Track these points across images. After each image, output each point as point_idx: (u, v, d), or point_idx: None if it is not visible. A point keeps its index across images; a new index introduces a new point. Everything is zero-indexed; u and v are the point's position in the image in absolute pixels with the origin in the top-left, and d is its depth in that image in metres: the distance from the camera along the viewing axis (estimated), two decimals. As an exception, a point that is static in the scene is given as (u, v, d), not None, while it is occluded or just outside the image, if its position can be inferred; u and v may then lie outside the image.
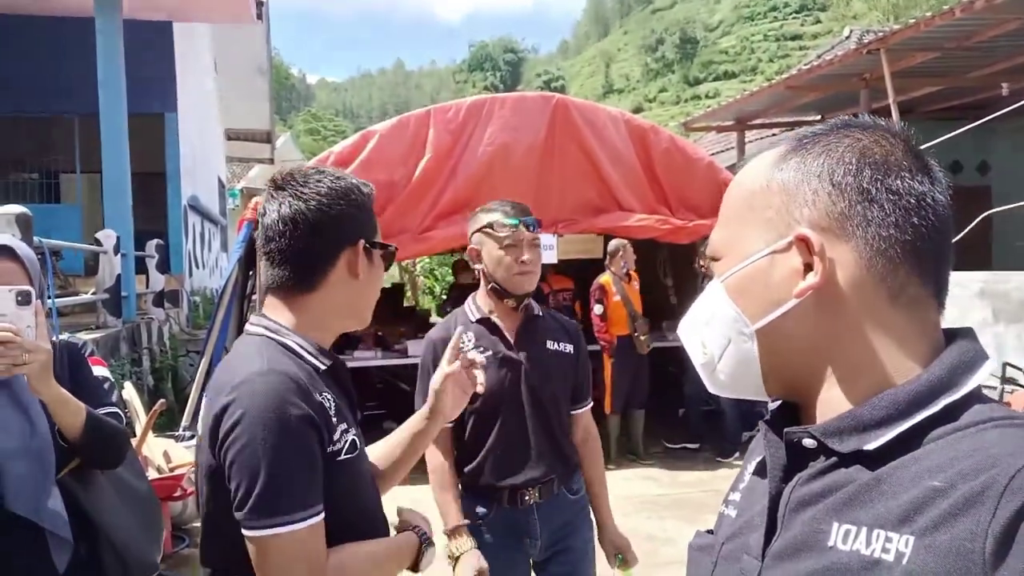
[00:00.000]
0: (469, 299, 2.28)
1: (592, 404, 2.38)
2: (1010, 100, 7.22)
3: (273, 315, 1.31)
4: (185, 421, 5.47)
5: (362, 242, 1.29)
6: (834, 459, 0.68)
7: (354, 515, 1.28)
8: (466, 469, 2.23)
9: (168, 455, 4.40)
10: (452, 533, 2.11)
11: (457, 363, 1.54)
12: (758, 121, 11.83)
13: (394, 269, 19.71)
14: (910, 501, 0.61)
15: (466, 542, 2.08)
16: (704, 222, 6.34)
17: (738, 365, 0.76)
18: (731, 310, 0.75)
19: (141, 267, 8.31)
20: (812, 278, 0.69)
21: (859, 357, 0.69)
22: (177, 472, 4.31)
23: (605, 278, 6.24)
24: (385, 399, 7.98)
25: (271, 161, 18.44)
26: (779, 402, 0.80)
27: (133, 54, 7.63)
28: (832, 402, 0.71)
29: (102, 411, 1.74)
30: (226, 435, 1.16)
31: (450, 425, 2.18)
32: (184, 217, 10.88)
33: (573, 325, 2.39)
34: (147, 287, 8.38)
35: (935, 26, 7.11)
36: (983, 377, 0.66)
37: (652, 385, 6.53)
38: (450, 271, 12.05)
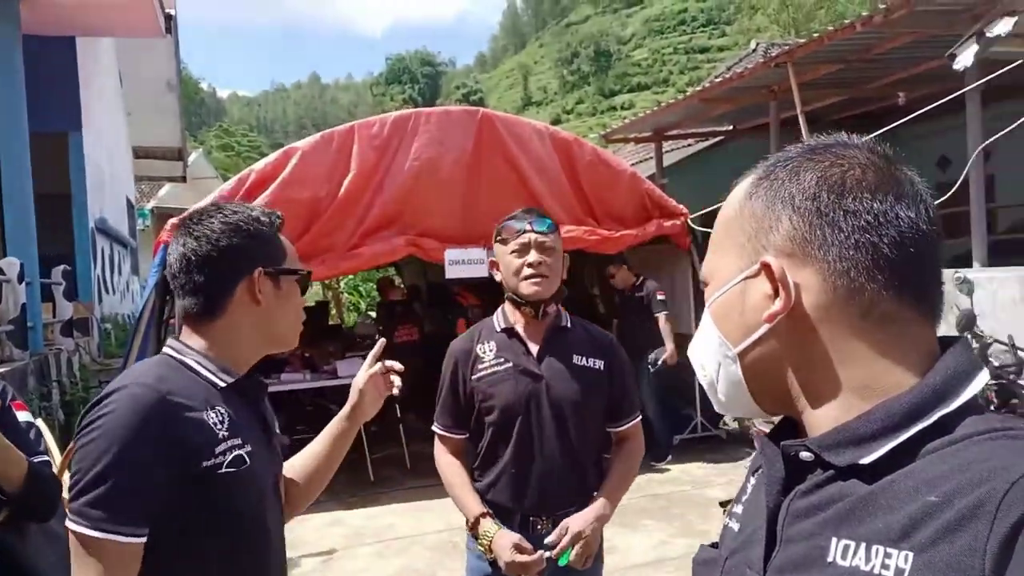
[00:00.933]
0: (500, 308, 2.22)
1: (640, 418, 2.24)
2: (907, 108, 7.66)
3: (185, 339, 1.41)
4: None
5: (259, 271, 1.38)
6: (831, 472, 0.69)
7: (232, 528, 1.32)
8: (479, 484, 2.14)
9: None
10: (476, 524, 2.03)
11: (378, 365, 1.63)
12: (674, 132, 12.18)
13: (317, 287, 19.33)
14: (908, 516, 0.61)
15: (492, 525, 2.01)
16: (630, 232, 6.46)
17: (730, 386, 0.79)
18: (715, 334, 0.78)
19: (47, 295, 7.84)
20: (778, 303, 0.71)
21: (838, 375, 0.70)
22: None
23: None
24: (315, 422, 7.78)
25: (183, 179, 17.78)
26: (780, 416, 0.81)
27: (33, 70, 7.22)
28: (820, 419, 0.72)
29: (37, 459, 1.72)
30: (81, 429, 1.25)
31: (462, 436, 2.20)
32: (92, 240, 10.34)
33: (607, 339, 2.25)
34: (54, 316, 7.92)
35: (837, 40, 7.49)
36: (978, 387, 0.67)
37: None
38: (375, 287, 11.89)
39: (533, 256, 2.05)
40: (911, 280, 0.70)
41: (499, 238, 2.13)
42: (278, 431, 1.56)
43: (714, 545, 0.84)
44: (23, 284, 6.20)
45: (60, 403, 6.81)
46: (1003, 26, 3.77)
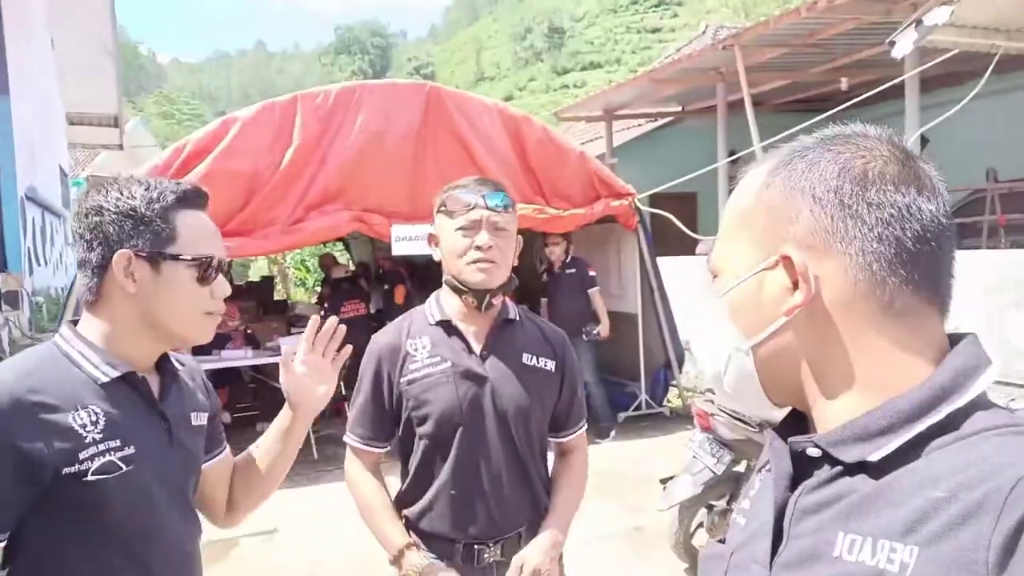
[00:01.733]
0: (432, 296, 1.87)
1: (585, 428, 1.96)
2: (849, 93, 7.83)
3: (80, 326, 1.31)
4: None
5: (127, 253, 1.26)
6: (839, 468, 0.69)
7: (107, 538, 1.24)
8: (410, 510, 1.81)
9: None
10: (399, 558, 1.73)
11: (300, 353, 1.49)
12: (625, 112, 12.22)
13: (263, 262, 18.93)
14: (914, 511, 0.61)
15: (419, 559, 1.71)
16: (578, 211, 6.47)
17: (740, 380, 0.78)
18: (728, 327, 0.77)
19: (-29, 266, 7.48)
20: (798, 297, 0.70)
21: (854, 369, 0.70)
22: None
23: None
24: (257, 399, 7.66)
25: (120, 147, 17.13)
26: (788, 409, 0.81)
27: (-48, 29, 6.82)
28: (831, 414, 0.72)
29: None
30: None
31: (381, 449, 1.87)
32: (21, 210, 9.90)
33: (560, 336, 1.94)
34: (-21, 288, 7.57)
35: (783, 24, 7.59)
36: (986, 383, 0.67)
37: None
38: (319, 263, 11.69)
39: (483, 238, 1.72)
40: (929, 274, 0.69)
41: (443, 209, 1.78)
42: (199, 423, 1.45)
43: (722, 541, 0.84)
44: (-57, 255, 5.89)
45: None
46: (940, 15, 3.86)
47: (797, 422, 0.79)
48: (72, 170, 18.64)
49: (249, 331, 7.80)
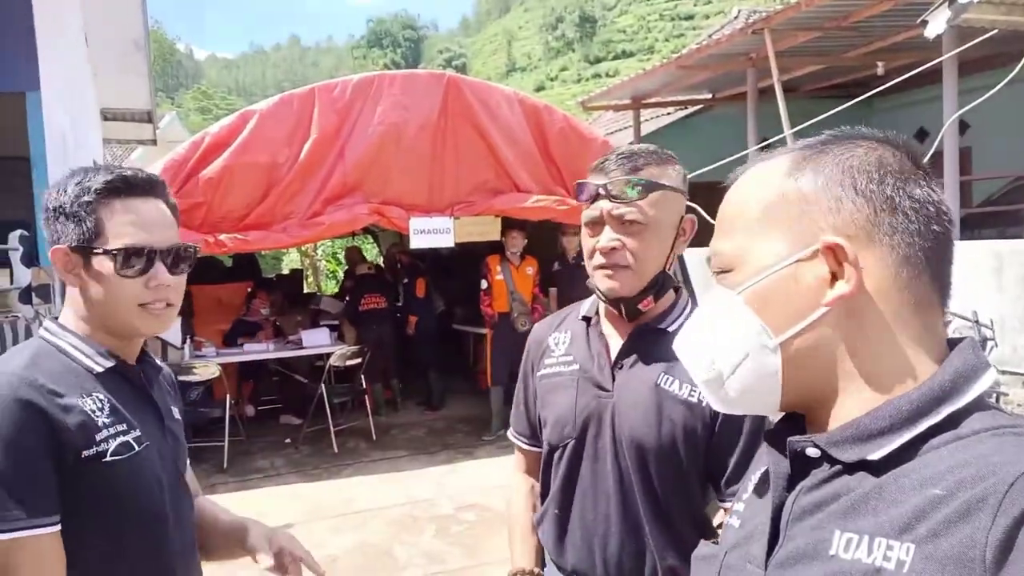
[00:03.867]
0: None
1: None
2: (885, 78, 7.55)
3: (60, 318, 1.33)
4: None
5: (62, 249, 1.27)
6: (837, 467, 0.69)
7: (120, 517, 1.25)
8: (535, 516, 1.63)
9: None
10: None
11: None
12: (653, 100, 12.00)
13: (295, 254, 19.07)
14: (911, 509, 0.61)
15: None
16: (600, 202, 6.34)
17: (756, 380, 0.74)
18: (754, 323, 0.73)
19: (4, 261, 7.63)
20: (844, 286, 0.69)
21: (880, 365, 0.69)
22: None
23: (491, 256, 6.69)
24: (281, 392, 7.69)
25: (154, 142, 17.36)
26: (782, 412, 0.80)
27: (-18, 26, 6.92)
28: (846, 411, 0.71)
29: None
30: None
31: (538, 449, 1.65)
32: (54, 205, 10.08)
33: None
34: (11, 282, 7.71)
35: (815, 6, 7.34)
36: (985, 385, 0.67)
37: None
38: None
39: (606, 238, 1.42)
40: (943, 271, 0.71)
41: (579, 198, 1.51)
42: (178, 417, 1.48)
43: (715, 542, 0.84)
44: (-27, 250, 5.99)
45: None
46: (975, -8, 3.66)
47: (792, 423, 0.78)
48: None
49: (278, 323, 7.84)
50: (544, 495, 1.60)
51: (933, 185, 0.71)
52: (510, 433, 1.77)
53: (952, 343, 0.71)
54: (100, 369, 1.29)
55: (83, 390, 1.24)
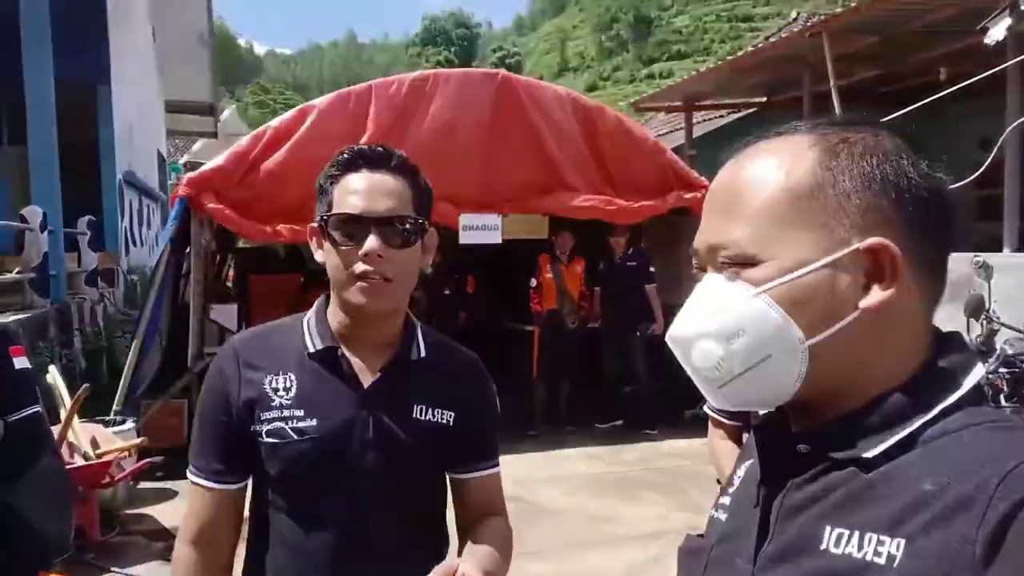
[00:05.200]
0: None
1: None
2: (947, 85, 7.38)
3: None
4: (117, 405, 5.28)
5: (312, 223, 1.31)
6: (827, 463, 0.68)
7: (281, 500, 1.28)
8: None
9: (96, 441, 4.26)
10: None
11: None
12: (706, 102, 11.92)
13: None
14: (902, 505, 0.61)
15: None
16: (648, 203, 6.36)
17: (771, 380, 0.69)
18: (783, 324, 0.67)
19: (73, 245, 7.99)
20: (884, 291, 0.66)
21: (892, 361, 0.68)
22: (105, 459, 4.17)
23: (542, 255, 6.78)
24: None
25: (214, 135, 17.91)
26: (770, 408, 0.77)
27: (61, 18, 7.27)
28: (848, 407, 0.69)
29: (19, 414, 1.70)
30: None
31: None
32: (120, 192, 10.50)
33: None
34: (79, 266, 8.08)
35: (876, 10, 7.23)
36: (975, 380, 0.67)
37: (591, 364, 6.87)
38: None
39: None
40: (945, 267, 0.71)
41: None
42: (420, 416, 1.31)
43: (700, 535, 0.82)
44: (45, 233, 6.31)
45: (82, 351, 6.97)
46: (1039, -1, 3.57)
47: (779, 419, 0.76)
48: (171, 156, 19.61)
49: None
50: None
51: (948, 184, 0.70)
52: (708, 408, 1.90)
53: (941, 337, 0.70)
54: (312, 350, 1.29)
55: (281, 368, 1.28)
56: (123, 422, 5.08)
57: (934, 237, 0.68)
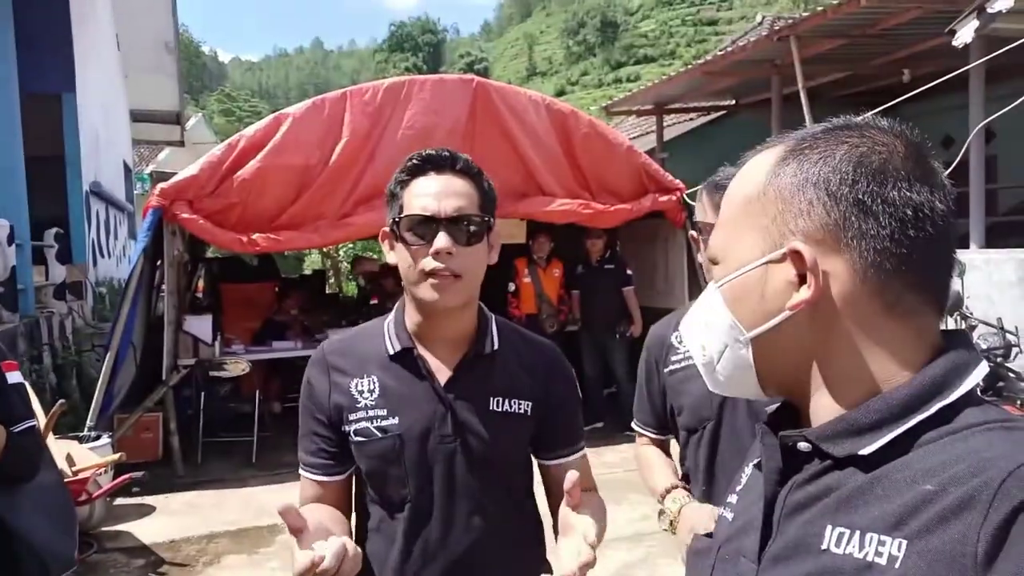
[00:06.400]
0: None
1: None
2: (911, 85, 7.54)
3: None
4: (91, 421, 5.18)
5: (384, 228, 1.38)
6: (829, 462, 0.68)
7: (373, 492, 1.39)
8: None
9: (71, 458, 4.16)
10: (666, 494, 1.73)
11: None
12: (676, 105, 12.05)
13: (316, 255, 19.28)
14: (903, 505, 0.61)
15: (683, 494, 1.71)
16: (624, 206, 6.41)
17: (735, 369, 0.76)
18: (727, 317, 0.75)
19: (40, 258, 7.82)
20: (805, 292, 0.68)
21: (851, 366, 0.69)
22: (81, 476, 4.08)
23: (519, 259, 6.82)
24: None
25: (181, 144, 17.64)
26: (776, 404, 0.80)
27: (25, 28, 7.12)
28: (824, 408, 0.71)
29: (20, 427, 1.75)
30: None
31: (661, 436, 1.89)
32: (86, 204, 10.29)
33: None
34: (47, 279, 7.90)
35: (842, 14, 7.37)
36: (977, 379, 0.67)
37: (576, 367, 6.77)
38: (375, 256, 11.85)
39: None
40: (933, 274, 0.69)
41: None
42: (512, 408, 1.38)
43: (709, 535, 0.83)
44: (13, 246, 6.16)
45: (52, 366, 6.81)
46: (1004, 2, 3.67)
47: (787, 415, 0.78)
48: (136, 165, 19.28)
49: (305, 323, 7.97)
50: (686, 479, 1.79)
51: (919, 186, 0.67)
52: (635, 424, 1.95)
53: (948, 337, 0.70)
54: (391, 352, 1.36)
55: (365, 371, 1.36)
56: (98, 438, 4.97)
57: (894, 251, 0.66)
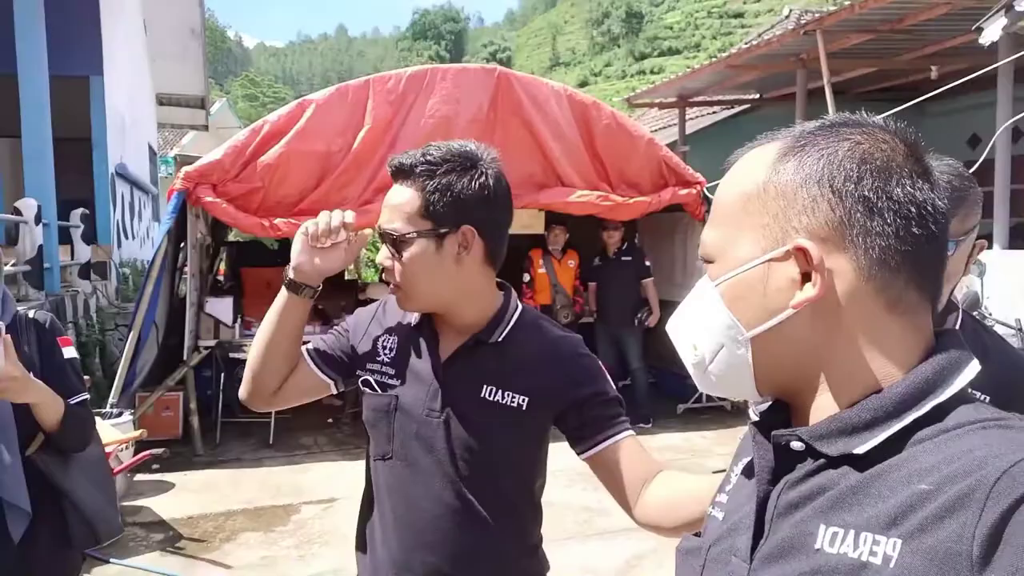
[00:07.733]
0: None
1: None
2: (938, 83, 7.45)
3: None
4: (113, 398, 5.28)
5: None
6: (822, 461, 0.68)
7: (372, 448, 1.48)
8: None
9: (94, 433, 4.25)
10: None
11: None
12: (699, 98, 11.97)
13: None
14: (897, 504, 0.61)
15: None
16: (644, 199, 6.40)
17: (730, 369, 0.75)
18: (726, 316, 0.74)
19: (66, 237, 7.95)
20: (810, 290, 0.68)
21: (853, 365, 0.69)
22: (105, 451, 4.17)
23: (534, 250, 6.84)
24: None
25: (205, 128, 17.81)
26: (768, 403, 0.79)
27: (54, 11, 7.22)
28: (824, 407, 0.70)
29: (76, 399, 1.84)
30: None
31: None
32: (112, 185, 10.44)
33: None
34: (72, 258, 8.03)
35: (869, 8, 7.28)
36: (969, 377, 0.67)
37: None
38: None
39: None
40: (930, 271, 0.69)
41: None
42: (502, 399, 1.38)
43: (698, 535, 0.82)
44: (40, 225, 6.28)
45: (76, 344, 6.93)
46: (1034, -1, 3.63)
47: (778, 414, 0.77)
48: (161, 149, 19.49)
49: (320, 307, 8.04)
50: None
51: (921, 184, 0.68)
52: None
53: (940, 336, 0.70)
54: (416, 322, 1.49)
55: (393, 331, 1.50)
56: (120, 414, 5.07)
57: (898, 248, 0.67)
